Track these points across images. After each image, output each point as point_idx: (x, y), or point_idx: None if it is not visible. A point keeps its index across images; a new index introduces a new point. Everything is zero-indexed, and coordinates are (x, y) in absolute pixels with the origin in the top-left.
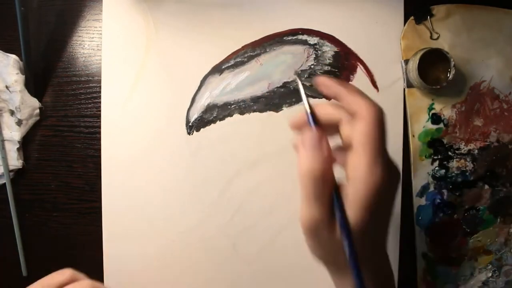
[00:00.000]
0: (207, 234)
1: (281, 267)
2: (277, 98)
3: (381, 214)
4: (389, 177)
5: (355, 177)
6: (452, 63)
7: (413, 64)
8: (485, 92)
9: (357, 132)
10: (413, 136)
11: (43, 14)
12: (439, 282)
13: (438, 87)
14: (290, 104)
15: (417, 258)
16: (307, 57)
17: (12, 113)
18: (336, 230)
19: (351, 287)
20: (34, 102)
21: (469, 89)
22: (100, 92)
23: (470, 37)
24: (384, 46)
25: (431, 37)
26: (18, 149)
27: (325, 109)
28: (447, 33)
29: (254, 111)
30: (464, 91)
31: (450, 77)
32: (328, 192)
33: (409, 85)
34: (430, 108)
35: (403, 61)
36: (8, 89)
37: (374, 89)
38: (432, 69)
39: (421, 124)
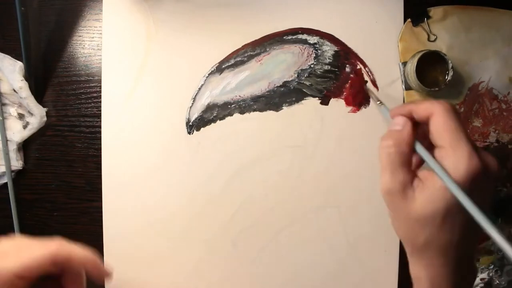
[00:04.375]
0: (207, 234)
1: (281, 267)
2: (277, 97)
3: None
4: (483, 164)
5: (446, 166)
6: (450, 65)
7: (411, 67)
8: (483, 92)
9: (437, 126)
10: None
11: (43, 14)
12: None
13: (437, 89)
14: (290, 103)
15: None
16: (307, 56)
17: (20, 116)
18: (411, 202)
19: (425, 271)
20: (41, 111)
21: (467, 90)
22: (100, 91)
23: (468, 38)
24: (384, 46)
25: (428, 39)
26: (18, 149)
27: (417, 106)
28: (444, 34)
29: (254, 110)
30: (462, 92)
31: (448, 78)
32: (402, 165)
33: (408, 87)
34: None
35: (401, 63)
36: (16, 93)
37: (374, 88)
38: (430, 71)
39: None
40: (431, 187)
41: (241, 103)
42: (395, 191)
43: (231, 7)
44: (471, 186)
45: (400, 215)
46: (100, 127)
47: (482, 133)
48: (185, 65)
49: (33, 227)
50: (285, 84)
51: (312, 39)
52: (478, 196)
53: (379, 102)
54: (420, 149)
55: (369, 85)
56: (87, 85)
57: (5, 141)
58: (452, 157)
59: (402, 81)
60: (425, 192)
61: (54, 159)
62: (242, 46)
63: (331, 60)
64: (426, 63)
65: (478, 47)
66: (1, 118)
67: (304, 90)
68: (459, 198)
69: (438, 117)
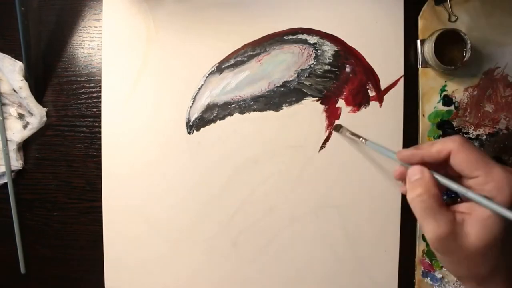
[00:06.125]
0: (207, 234)
1: (281, 267)
2: (277, 97)
3: None
4: None
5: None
6: (469, 44)
7: (430, 43)
8: (498, 78)
9: (462, 160)
10: (423, 116)
11: (43, 14)
12: (437, 264)
13: (453, 67)
14: (290, 103)
15: (417, 239)
16: (307, 56)
17: (20, 116)
18: (465, 238)
19: None
20: (41, 111)
21: (482, 74)
22: (100, 91)
23: (488, 23)
24: (384, 45)
25: (449, 19)
26: (18, 149)
27: (429, 150)
28: (465, 16)
29: (254, 110)
30: (477, 75)
31: (466, 57)
32: (440, 206)
33: (424, 65)
34: (442, 89)
35: (419, 41)
36: (16, 93)
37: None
38: (447, 50)
39: (432, 104)
40: (480, 217)
41: (241, 103)
42: (446, 234)
43: (231, 7)
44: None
45: (458, 255)
46: (100, 127)
47: (492, 119)
48: (185, 65)
49: (33, 227)
50: (285, 84)
51: (312, 39)
52: None
53: (363, 140)
54: (456, 187)
55: (344, 129)
56: (87, 85)
57: (5, 141)
58: (492, 182)
59: (419, 58)
60: (476, 223)
61: (54, 159)
62: (242, 46)
63: (331, 60)
64: (445, 42)
65: (498, 33)
66: (1, 118)
67: (304, 90)
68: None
69: (459, 152)
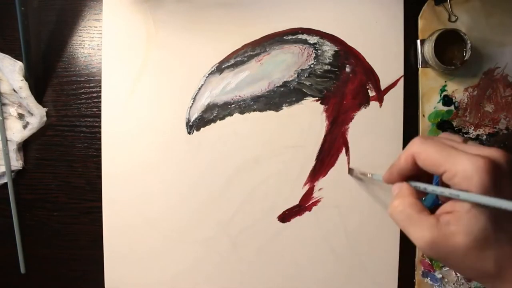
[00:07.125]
0: (207, 234)
1: (281, 267)
2: (277, 97)
3: None
4: None
5: None
6: (469, 45)
7: (430, 43)
8: (498, 78)
9: (425, 160)
10: (423, 116)
11: (43, 14)
12: (437, 264)
13: (453, 67)
14: (290, 103)
15: None
16: (307, 56)
17: (20, 116)
18: (454, 237)
19: None
20: (41, 111)
21: (482, 74)
22: (100, 91)
23: (488, 23)
24: (384, 45)
25: (449, 19)
26: (18, 149)
27: (399, 163)
28: (465, 16)
29: (254, 110)
30: (477, 75)
31: (466, 57)
32: (419, 213)
33: (424, 65)
34: (442, 89)
35: (419, 41)
36: (16, 93)
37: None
38: (447, 50)
39: (432, 104)
40: (461, 212)
41: (241, 103)
42: (431, 239)
43: (231, 7)
44: (492, 182)
45: (455, 256)
46: (100, 127)
47: (492, 119)
48: (185, 65)
49: (33, 227)
50: (285, 84)
51: (312, 39)
52: (507, 186)
53: (370, 175)
54: (431, 189)
55: (355, 170)
56: (87, 85)
57: (5, 141)
58: (458, 173)
59: (419, 59)
60: (459, 220)
61: (54, 159)
62: (242, 46)
63: (331, 60)
64: (445, 42)
65: (497, 33)
66: (1, 118)
67: (304, 90)
68: (492, 203)
69: (420, 153)
